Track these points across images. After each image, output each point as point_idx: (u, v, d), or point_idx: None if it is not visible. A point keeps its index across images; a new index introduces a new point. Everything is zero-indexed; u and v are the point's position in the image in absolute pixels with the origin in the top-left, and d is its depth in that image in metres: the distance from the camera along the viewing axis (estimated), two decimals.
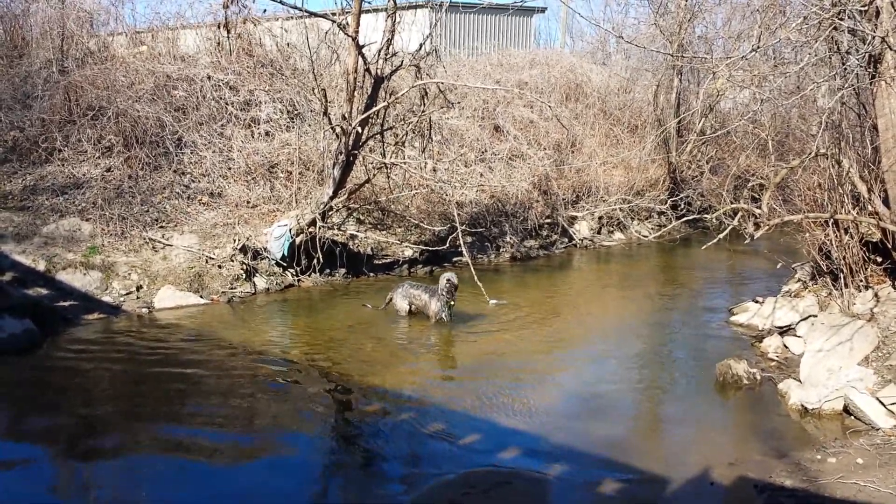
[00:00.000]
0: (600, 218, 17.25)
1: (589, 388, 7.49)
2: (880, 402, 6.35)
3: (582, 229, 16.74)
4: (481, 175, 15.28)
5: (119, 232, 10.82)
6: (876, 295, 8.20)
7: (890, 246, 8.22)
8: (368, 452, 6.04)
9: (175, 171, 12.14)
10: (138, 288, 10.17)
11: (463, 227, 11.49)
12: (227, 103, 13.26)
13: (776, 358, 8.21)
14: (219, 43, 14.49)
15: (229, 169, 12.58)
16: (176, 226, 11.36)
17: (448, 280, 9.20)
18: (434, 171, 13.96)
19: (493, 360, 8.28)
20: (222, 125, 13.05)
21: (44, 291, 9.53)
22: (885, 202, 8.32)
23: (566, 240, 16.21)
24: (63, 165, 11.71)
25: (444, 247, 12.56)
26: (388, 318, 9.77)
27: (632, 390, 7.61)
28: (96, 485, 5.35)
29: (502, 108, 17.23)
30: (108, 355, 8.03)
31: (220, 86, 13.43)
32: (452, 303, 9.30)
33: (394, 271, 12.74)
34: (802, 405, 6.72)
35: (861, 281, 8.49)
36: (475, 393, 7.15)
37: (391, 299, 9.87)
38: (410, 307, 9.66)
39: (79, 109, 12.31)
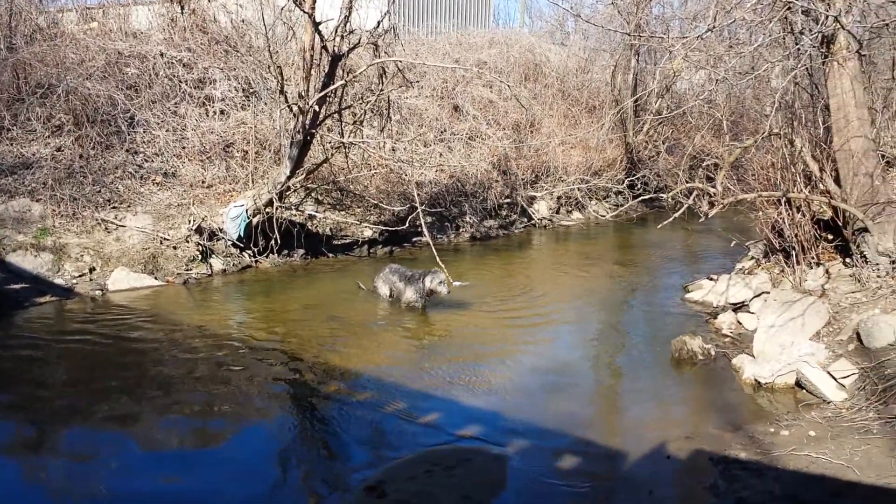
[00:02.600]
0: (559, 198, 17.37)
1: (548, 365, 7.55)
2: (831, 375, 6.50)
3: (541, 209, 16.84)
4: (440, 155, 15.24)
5: (70, 213, 10.56)
6: (827, 271, 8.38)
7: (841, 224, 8.41)
8: (329, 433, 6.02)
9: (127, 151, 11.87)
10: (91, 270, 9.95)
11: (423, 208, 11.45)
12: (180, 81, 12.98)
13: (730, 334, 8.36)
14: (172, 19, 14.16)
15: (183, 148, 12.34)
16: (129, 206, 11.12)
17: (433, 282, 8.98)
18: (393, 150, 13.90)
19: (453, 339, 8.30)
20: (176, 103, 12.78)
21: None
22: (837, 181, 8.50)
23: (525, 219, 16.30)
24: (12, 145, 11.35)
25: (404, 227, 12.54)
26: (346, 299, 9.74)
27: (590, 367, 7.69)
28: (49, 473, 5.23)
29: (461, 88, 17.18)
30: (61, 339, 7.86)
31: (173, 63, 13.14)
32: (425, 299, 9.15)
33: (353, 252, 12.68)
34: (756, 380, 6.86)
35: (813, 258, 8.68)
36: (435, 372, 7.17)
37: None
38: (391, 292, 9.55)
39: (28, 87, 11.95)
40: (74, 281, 9.71)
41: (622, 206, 16.70)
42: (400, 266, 9.69)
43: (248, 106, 13.34)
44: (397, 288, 9.37)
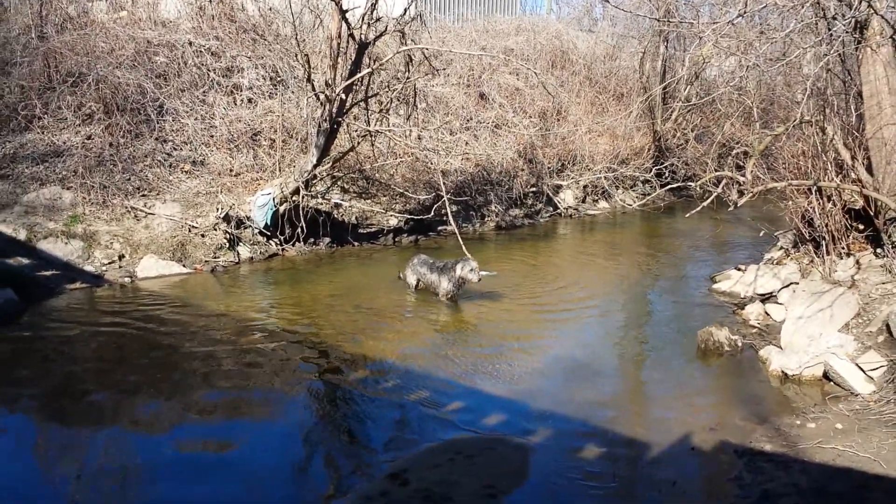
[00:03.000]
0: (585, 186, 17.26)
1: (573, 354, 7.53)
2: (860, 368, 6.42)
3: (567, 198, 16.75)
4: (466, 143, 15.21)
5: (100, 201, 10.70)
6: (857, 262, 8.25)
7: (872, 213, 8.27)
8: (353, 419, 6.06)
9: (157, 139, 11.99)
10: (120, 257, 10.09)
11: (448, 196, 11.44)
12: (208, 69, 13.07)
13: (757, 325, 8.28)
14: (200, 8, 14.24)
15: (211, 137, 12.44)
16: (158, 194, 11.25)
17: (464, 270, 8.83)
18: (419, 138, 13.88)
19: (477, 328, 8.31)
20: (204, 92, 12.88)
21: (25, 261, 9.45)
22: (869, 170, 8.36)
23: (551, 209, 16.23)
24: (43, 133, 11.52)
25: (430, 215, 12.55)
26: (371, 287, 9.78)
27: (615, 357, 7.66)
28: (79, 455, 5.34)
29: (488, 76, 17.12)
30: (91, 325, 7.99)
31: (201, 52, 13.24)
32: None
33: (378, 240, 12.72)
34: (783, 371, 6.79)
35: (843, 248, 8.54)
36: (460, 360, 7.18)
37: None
38: (417, 283, 9.51)
39: (58, 76, 12.09)
40: (104, 268, 9.85)
41: (649, 195, 16.50)
42: (427, 257, 9.61)
43: (276, 94, 13.40)
44: (426, 279, 9.32)
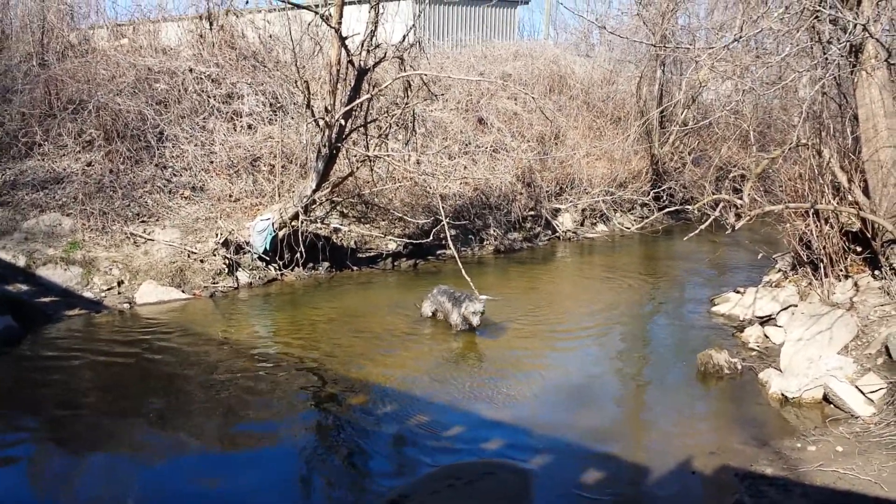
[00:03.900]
0: (583, 210, 17.29)
1: (572, 379, 7.52)
2: (860, 390, 6.41)
3: (565, 221, 16.77)
4: (465, 168, 15.27)
5: (100, 227, 10.73)
6: (856, 284, 8.27)
7: (870, 235, 8.29)
8: (352, 446, 6.04)
9: (156, 165, 12.04)
10: (120, 283, 10.10)
11: (447, 220, 11.47)
12: (209, 96, 13.17)
13: (757, 347, 8.27)
14: (201, 35, 14.38)
15: (211, 163, 12.50)
16: (157, 220, 11.28)
17: (467, 310, 8.60)
18: (418, 163, 13.93)
19: (477, 352, 8.30)
20: (204, 118, 12.96)
21: (24, 287, 9.46)
22: (865, 192, 8.39)
23: (550, 232, 16.24)
24: (43, 160, 11.58)
25: (428, 240, 12.56)
26: (370, 312, 9.77)
27: (615, 381, 7.65)
28: (78, 483, 5.31)
29: (486, 101, 17.22)
30: (90, 352, 7.98)
31: (202, 78, 13.34)
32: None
33: (378, 265, 12.73)
34: (783, 394, 6.78)
35: (841, 270, 8.56)
36: (459, 385, 7.17)
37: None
38: (435, 313, 9.34)
39: (59, 103, 12.19)
40: (103, 294, 9.85)
41: (647, 218, 16.53)
42: (448, 287, 9.36)
43: (276, 120, 13.48)
44: (444, 308, 9.11)
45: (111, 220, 10.87)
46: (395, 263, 12.89)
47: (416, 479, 5.29)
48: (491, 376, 7.53)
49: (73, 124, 11.88)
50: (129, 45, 14.36)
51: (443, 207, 11.61)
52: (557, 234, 16.32)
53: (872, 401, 6.29)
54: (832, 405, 6.46)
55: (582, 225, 17.24)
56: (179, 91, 13.06)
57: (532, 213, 15.96)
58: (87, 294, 9.78)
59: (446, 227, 11.19)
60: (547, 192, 16.31)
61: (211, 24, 14.31)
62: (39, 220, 10.49)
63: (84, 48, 13.96)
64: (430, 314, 9.37)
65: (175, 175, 12.17)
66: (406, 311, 9.68)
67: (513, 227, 15.34)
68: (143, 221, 11.16)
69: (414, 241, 12.71)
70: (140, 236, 10.86)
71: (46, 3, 14.09)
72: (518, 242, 15.24)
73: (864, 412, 6.18)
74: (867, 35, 7.77)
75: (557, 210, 16.65)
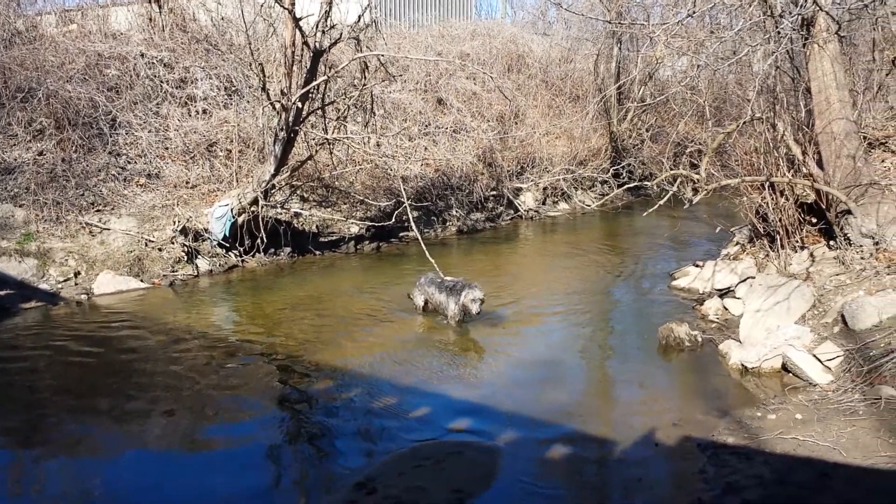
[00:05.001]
0: (545, 189, 17.38)
1: (536, 356, 7.56)
2: (817, 358, 6.53)
3: (527, 200, 16.84)
4: (425, 149, 15.22)
5: (54, 217, 10.49)
6: (811, 255, 8.42)
7: (824, 206, 8.45)
8: (319, 430, 6.00)
9: (110, 153, 11.80)
10: (76, 274, 9.89)
11: (409, 202, 11.43)
12: (161, 81, 12.91)
13: (716, 320, 8.39)
14: (151, 19, 14.07)
15: (166, 149, 12.28)
16: (113, 209, 11.06)
17: (469, 299, 8.10)
18: (378, 145, 13.85)
19: (440, 333, 8.29)
20: (157, 104, 12.71)
21: None
22: (819, 164, 8.53)
23: (512, 211, 16.31)
24: None
25: (391, 222, 12.51)
26: (334, 296, 9.72)
27: (578, 357, 7.70)
28: (37, 483, 5.20)
29: (445, 81, 17.15)
30: (48, 346, 7.81)
31: (153, 63, 13.07)
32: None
33: (340, 249, 12.65)
34: (742, 364, 6.89)
35: (797, 242, 8.72)
36: (424, 367, 7.17)
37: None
38: (426, 304, 8.89)
39: (7, 92, 11.85)
40: (59, 286, 9.65)
41: (608, 195, 16.69)
42: (435, 275, 8.98)
43: (231, 104, 13.28)
44: (435, 300, 8.65)
45: (65, 209, 10.64)
46: (358, 247, 12.82)
47: (384, 461, 5.28)
48: (456, 357, 7.55)
49: (23, 113, 11.58)
50: (78, 31, 14.00)
51: (404, 189, 11.56)
52: (520, 214, 16.39)
53: (830, 369, 6.42)
54: (791, 374, 6.58)
55: (543, 203, 17.33)
56: (131, 76, 12.79)
57: (494, 192, 16.00)
58: (43, 286, 9.57)
59: (408, 210, 11.15)
60: (508, 171, 16.35)
61: (160, 7, 13.99)
62: None
63: (32, 35, 13.56)
64: (422, 304, 8.88)
65: (129, 162, 11.93)
66: (370, 294, 9.63)
67: (475, 208, 15.36)
68: (98, 211, 10.94)
69: (376, 224, 12.65)
70: (96, 226, 10.64)
71: None
72: (481, 223, 15.27)
73: (821, 380, 6.31)
74: (818, 8, 7.87)
75: (519, 189, 16.70)
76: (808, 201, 8.91)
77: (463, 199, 15.12)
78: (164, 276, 10.39)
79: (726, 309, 8.59)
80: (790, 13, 7.87)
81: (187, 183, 11.93)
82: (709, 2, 8.84)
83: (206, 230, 11.05)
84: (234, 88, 13.54)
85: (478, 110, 17.17)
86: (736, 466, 5.04)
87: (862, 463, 4.90)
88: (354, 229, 12.93)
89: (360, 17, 10.89)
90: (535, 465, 5.22)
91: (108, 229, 10.66)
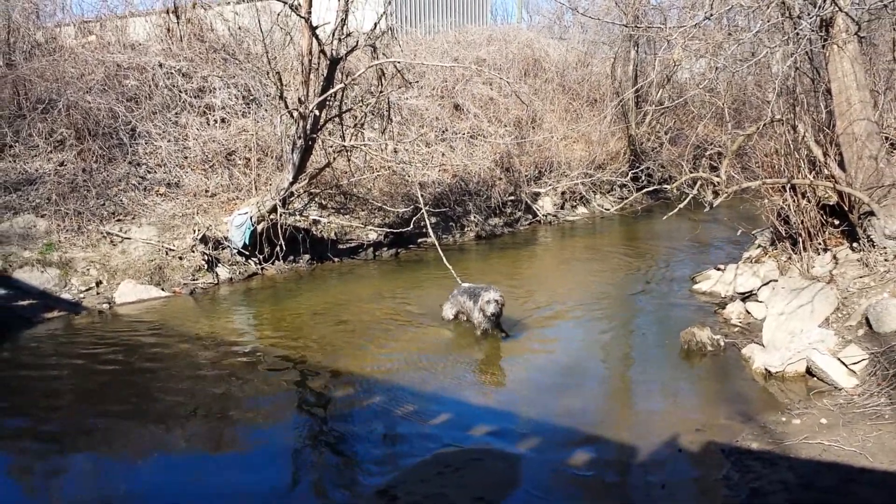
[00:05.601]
0: (563, 193, 17.32)
1: (558, 361, 7.53)
2: (842, 362, 6.46)
3: (545, 205, 16.80)
4: (443, 154, 15.22)
5: (75, 227, 10.58)
6: (834, 257, 8.33)
7: (846, 208, 8.36)
8: (340, 437, 6.01)
9: (130, 163, 11.90)
10: (98, 283, 9.97)
11: (427, 208, 11.42)
12: (180, 91, 13.02)
13: (739, 323, 8.32)
14: (168, 29, 14.18)
15: (185, 158, 12.36)
16: (133, 218, 11.15)
17: (484, 301, 7.86)
18: (395, 152, 13.87)
19: (461, 339, 8.27)
20: (176, 113, 12.81)
21: (1, 292, 9.31)
22: (841, 165, 8.45)
23: (530, 216, 16.26)
24: (14, 161, 11.41)
25: (409, 228, 12.52)
26: (353, 302, 9.73)
27: (599, 362, 7.66)
28: (62, 485, 5.25)
29: (461, 86, 17.15)
30: (71, 354, 7.87)
31: (172, 73, 13.18)
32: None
33: (359, 255, 12.67)
34: (766, 369, 6.82)
35: (819, 244, 8.62)
36: (445, 373, 7.15)
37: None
38: (456, 315, 8.62)
39: (28, 103, 12.00)
40: (81, 295, 9.73)
41: (627, 198, 16.60)
42: (471, 284, 8.64)
43: (249, 113, 13.35)
44: (466, 308, 8.38)
45: (86, 219, 10.73)
46: (377, 253, 12.83)
47: (405, 469, 5.27)
48: (477, 363, 7.53)
49: (44, 124, 11.71)
50: (97, 42, 14.15)
51: (422, 195, 11.58)
52: (538, 218, 16.34)
53: (855, 372, 6.35)
54: (815, 378, 6.51)
55: (562, 208, 17.27)
56: (150, 87, 12.90)
57: (512, 197, 15.96)
58: (66, 295, 9.65)
59: (426, 215, 11.15)
60: (526, 176, 16.31)
61: (178, 18, 14.11)
62: (13, 223, 10.33)
63: (51, 46, 13.74)
64: (452, 317, 8.63)
65: (149, 172, 12.03)
66: (389, 300, 9.64)
67: (493, 213, 15.33)
68: (118, 220, 11.02)
69: (394, 231, 12.66)
70: (117, 235, 10.73)
71: (11, 2, 13.80)
72: (499, 228, 15.24)
73: (846, 384, 6.23)
74: (836, 9, 7.80)
75: (537, 194, 16.66)
76: (830, 203, 8.81)
77: (481, 204, 15.10)
78: (184, 284, 10.45)
79: (749, 312, 8.51)
80: (808, 14, 7.80)
81: (207, 192, 12.00)
82: (726, 4, 8.79)
83: (225, 238, 11.11)
84: (251, 97, 13.63)
85: (495, 115, 17.15)
86: (760, 472, 4.99)
87: (888, 468, 4.84)
88: (373, 236, 12.94)
89: (376, 24, 10.92)
90: (556, 472, 5.20)
91: (129, 238, 10.75)
